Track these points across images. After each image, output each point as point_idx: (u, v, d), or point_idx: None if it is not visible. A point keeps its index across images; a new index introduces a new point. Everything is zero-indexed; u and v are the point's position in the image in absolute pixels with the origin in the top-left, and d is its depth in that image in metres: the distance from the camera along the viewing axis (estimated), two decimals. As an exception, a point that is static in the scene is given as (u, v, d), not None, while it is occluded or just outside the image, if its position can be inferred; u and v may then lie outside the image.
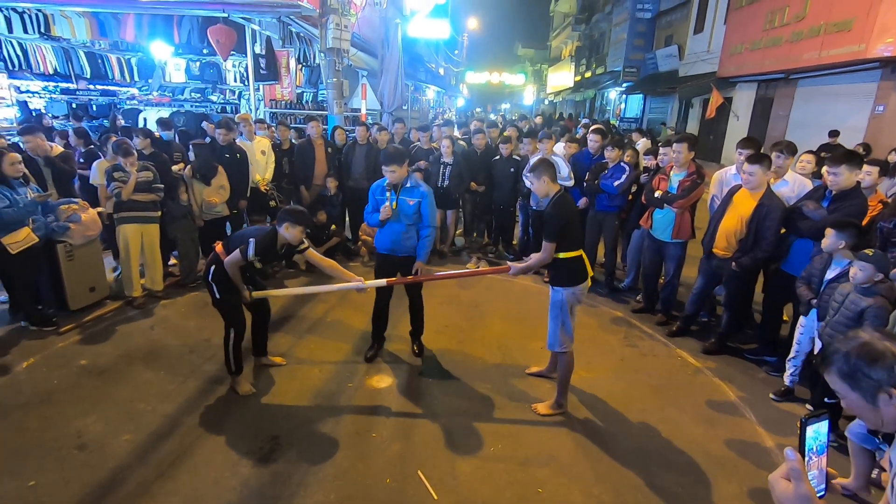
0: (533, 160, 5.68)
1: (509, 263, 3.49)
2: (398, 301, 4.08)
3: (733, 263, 3.87)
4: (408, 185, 3.72)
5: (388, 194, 3.69)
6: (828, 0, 9.62)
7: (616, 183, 5.05)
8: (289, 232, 3.25)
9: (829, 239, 3.20)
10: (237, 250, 3.18)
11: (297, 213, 3.30)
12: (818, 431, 0.90)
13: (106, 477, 2.68)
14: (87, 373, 3.66)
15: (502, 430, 3.19)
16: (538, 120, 9.19)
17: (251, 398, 3.43)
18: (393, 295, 4.01)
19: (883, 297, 2.85)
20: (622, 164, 5.16)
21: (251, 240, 3.18)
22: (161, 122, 6.63)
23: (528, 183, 3.28)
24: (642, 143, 8.43)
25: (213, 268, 3.31)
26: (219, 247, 3.34)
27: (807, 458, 0.86)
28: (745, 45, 12.70)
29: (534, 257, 3.23)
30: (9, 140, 4.91)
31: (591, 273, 3.29)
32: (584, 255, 3.26)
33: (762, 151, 4.00)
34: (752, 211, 3.78)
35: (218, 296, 3.33)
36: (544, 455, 2.97)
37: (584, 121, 13.00)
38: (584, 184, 5.38)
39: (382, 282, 3.67)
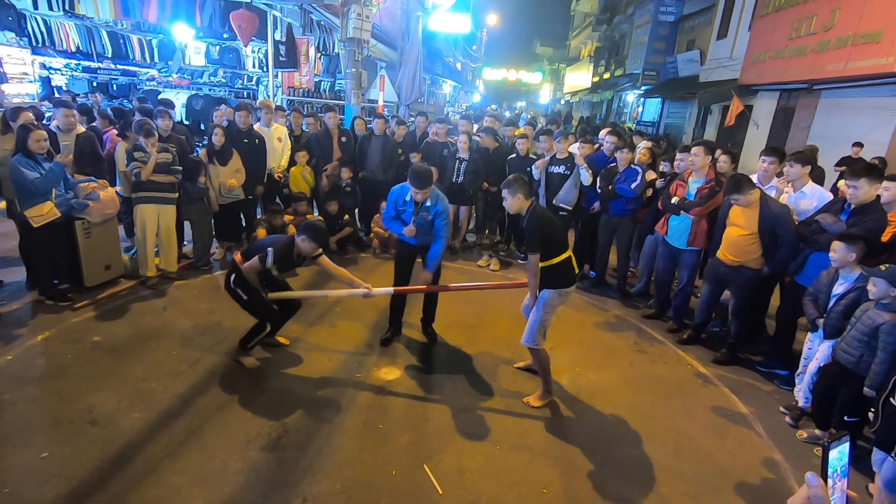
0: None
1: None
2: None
3: (765, 269, 3.92)
4: (427, 203, 3.77)
5: (412, 215, 3.79)
6: (857, 11, 9.43)
7: (633, 185, 5.01)
8: (304, 244, 3.44)
9: (839, 252, 3.16)
10: (255, 258, 3.37)
11: (315, 230, 3.47)
12: (842, 452, 0.88)
13: (116, 452, 2.72)
14: (100, 349, 3.71)
15: (509, 428, 3.19)
16: (541, 121, 8.97)
17: (260, 383, 3.46)
18: (410, 280, 4.13)
19: None
20: (633, 166, 5.11)
21: (269, 249, 3.38)
22: (163, 103, 6.58)
23: (504, 198, 3.36)
24: (642, 146, 8.09)
25: (232, 276, 3.49)
26: (237, 256, 3.52)
27: (830, 482, 0.84)
28: (768, 53, 12.50)
29: (528, 280, 3.33)
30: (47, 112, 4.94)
31: (577, 271, 3.39)
32: (572, 257, 3.33)
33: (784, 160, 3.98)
34: (756, 223, 3.79)
35: (245, 297, 3.50)
36: (550, 456, 2.97)
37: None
38: (599, 190, 5.34)
39: (390, 290, 3.84)
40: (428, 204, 3.76)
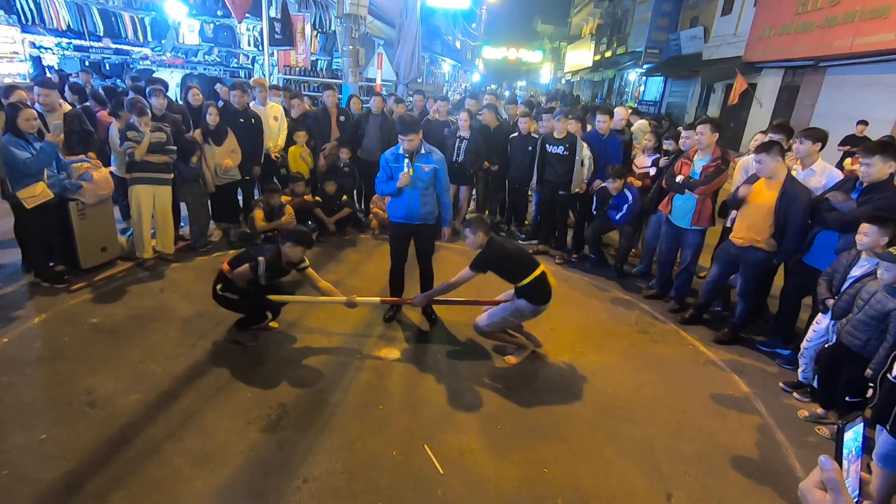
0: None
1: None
2: (409, 270, 4.13)
3: (774, 260, 3.87)
4: (422, 151, 3.78)
5: (405, 161, 3.72)
6: (866, -16, 9.21)
7: (618, 216, 5.17)
8: (290, 250, 3.47)
9: (871, 236, 3.00)
10: (247, 265, 3.38)
11: (298, 234, 3.50)
12: (857, 433, 0.84)
13: (116, 434, 2.71)
14: (97, 331, 3.68)
15: (510, 408, 3.18)
16: (542, 99, 8.86)
17: (259, 365, 3.44)
18: (406, 261, 4.12)
19: None
20: (625, 191, 5.13)
21: (260, 259, 3.40)
22: (153, 82, 6.42)
23: (465, 236, 3.52)
24: (639, 124, 7.88)
25: (218, 286, 3.52)
26: (225, 266, 3.53)
27: (844, 464, 0.80)
28: (774, 29, 12.27)
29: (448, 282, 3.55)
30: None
31: (554, 284, 3.53)
32: (546, 272, 3.46)
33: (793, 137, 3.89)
34: (775, 201, 3.67)
35: (236, 298, 3.53)
36: (551, 436, 2.96)
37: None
38: (594, 212, 5.42)
39: (376, 300, 3.89)
40: (423, 152, 3.77)
